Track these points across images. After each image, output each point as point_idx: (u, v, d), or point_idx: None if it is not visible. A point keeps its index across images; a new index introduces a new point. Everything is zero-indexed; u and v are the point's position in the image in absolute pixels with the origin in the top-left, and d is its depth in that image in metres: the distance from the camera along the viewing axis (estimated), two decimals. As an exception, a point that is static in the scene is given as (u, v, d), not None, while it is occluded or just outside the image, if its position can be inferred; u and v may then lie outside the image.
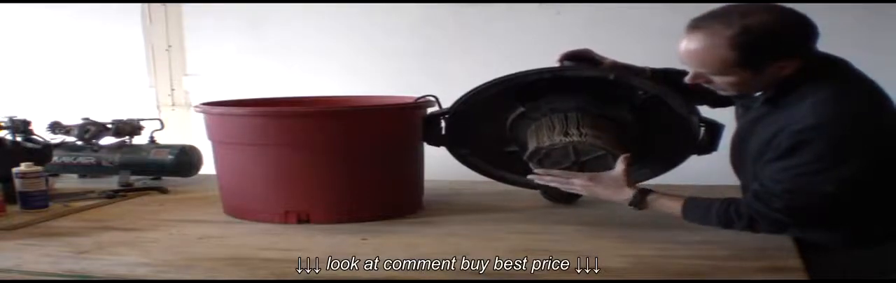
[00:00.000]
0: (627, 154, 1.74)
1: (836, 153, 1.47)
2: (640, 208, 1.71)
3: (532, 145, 1.84)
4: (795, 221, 1.56)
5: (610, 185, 1.73)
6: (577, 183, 1.77)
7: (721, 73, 1.54)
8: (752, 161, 1.62)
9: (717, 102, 1.86)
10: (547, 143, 1.80)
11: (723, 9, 1.52)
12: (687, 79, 1.61)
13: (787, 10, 1.51)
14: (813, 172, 1.48)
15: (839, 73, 1.57)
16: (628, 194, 1.71)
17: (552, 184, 1.81)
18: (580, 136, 1.78)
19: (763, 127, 1.60)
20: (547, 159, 1.82)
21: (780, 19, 1.49)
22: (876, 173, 1.51)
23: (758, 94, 1.64)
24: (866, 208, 1.59)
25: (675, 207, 1.67)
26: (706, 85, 1.61)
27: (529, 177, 1.86)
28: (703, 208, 1.64)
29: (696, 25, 1.53)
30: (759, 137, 1.60)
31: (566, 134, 1.79)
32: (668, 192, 1.72)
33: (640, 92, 1.84)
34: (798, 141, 1.48)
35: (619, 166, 1.73)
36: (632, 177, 1.74)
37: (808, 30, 1.52)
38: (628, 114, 1.88)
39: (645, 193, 1.71)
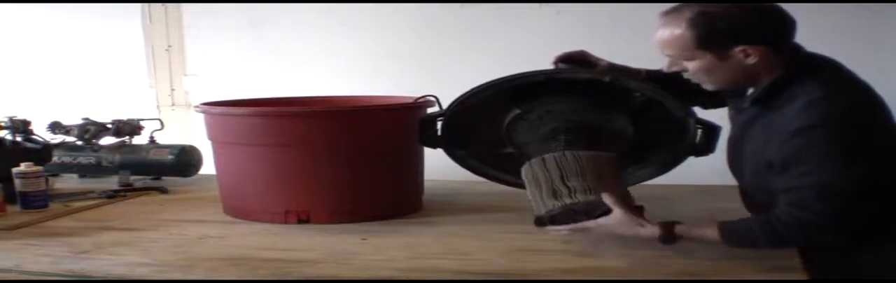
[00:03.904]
0: (607, 193, 1.62)
1: (842, 152, 1.45)
2: (672, 243, 1.56)
3: (534, 208, 1.71)
4: (842, 223, 1.47)
5: (624, 225, 1.60)
6: (594, 231, 1.65)
7: (685, 56, 1.56)
8: (754, 165, 1.60)
9: (709, 102, 1.85)
10: (543, 210, 1.68)
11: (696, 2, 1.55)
12: (664, 67, 1.63)
13: (759, 3, 1.53)
14: (831, 171, 1.45)
15: (829, 73, 1.56)
16: (652, 230, 1.57)
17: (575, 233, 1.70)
18: (570, 194, 1.65)
19: (757, 129, 1.59)
20: (556, 224, 1.67)
21: (744, 6, 1.51)
22: (875, 172, 1.50)
23: (749, 92, 1.63)
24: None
25: (711, 234, 1.54)
26: (687, 76, 1.61)
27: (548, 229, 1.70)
28: (743, 230, 1.53)
29: (664, 12, 1.57)
30: (754, 139, 1.60)
31: (554, 194, 1.67)
32: (695, 224, 1.58)
33: (637, 94, 1.84)
34: (800, 146, 1.47)
35: (616, 210, 1.60)
36: (632, 209, 1.62)
37: (777, 20, 1.52)
38: (628, 124, 1.86)
39: (668, 226, 1.57)
